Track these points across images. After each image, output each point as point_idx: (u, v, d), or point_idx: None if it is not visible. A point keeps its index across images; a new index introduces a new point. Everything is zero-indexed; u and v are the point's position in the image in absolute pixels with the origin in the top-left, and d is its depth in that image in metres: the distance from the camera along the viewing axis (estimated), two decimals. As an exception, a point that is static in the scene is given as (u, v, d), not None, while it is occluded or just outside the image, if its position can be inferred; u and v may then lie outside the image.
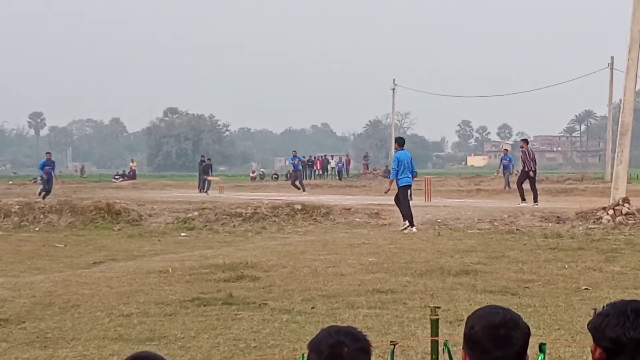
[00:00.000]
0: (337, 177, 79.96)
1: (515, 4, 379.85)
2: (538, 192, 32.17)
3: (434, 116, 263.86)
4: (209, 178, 53.99)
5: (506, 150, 64.52)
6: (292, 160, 48.78)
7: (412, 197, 26.93)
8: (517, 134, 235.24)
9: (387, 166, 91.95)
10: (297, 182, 51.48)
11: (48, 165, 41.91)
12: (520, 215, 25.37)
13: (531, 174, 31.54)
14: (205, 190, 50.92)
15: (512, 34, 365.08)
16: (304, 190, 48.51)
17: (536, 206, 29.39)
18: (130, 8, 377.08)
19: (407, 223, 24.12)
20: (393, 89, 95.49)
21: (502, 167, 56.26)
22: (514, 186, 33.96)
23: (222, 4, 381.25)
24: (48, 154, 44.23)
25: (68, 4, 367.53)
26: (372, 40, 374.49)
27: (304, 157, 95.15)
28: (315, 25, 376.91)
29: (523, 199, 31.36)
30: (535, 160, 32.00)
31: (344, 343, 3.69)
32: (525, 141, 34.38)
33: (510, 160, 55.41)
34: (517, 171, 44.98)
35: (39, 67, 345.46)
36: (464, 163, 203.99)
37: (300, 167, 51.06)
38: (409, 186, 24.77)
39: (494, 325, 3.83)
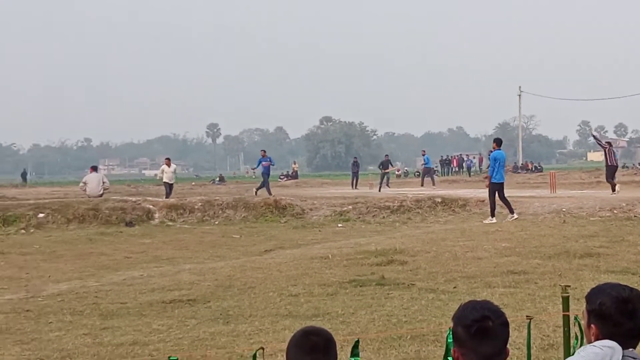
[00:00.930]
0: (468, 174, 78.86)
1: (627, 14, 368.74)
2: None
3: (556, 117, 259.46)
4: (390, 170, 52.64)
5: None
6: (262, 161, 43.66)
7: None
8: (632, 132, 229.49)
9: (515, 163, 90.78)
10: (426, 178, 50.27)
11: (265, 161, 41.40)
12: (638, 203, 24.64)
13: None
14: (386, 183, 48.71)
15: (625, 41, 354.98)
16: (433, 184, 47.90)
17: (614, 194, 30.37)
18: (288, 27, 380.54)
19: (493, 219, 23.68)
20: (519, 95, 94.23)
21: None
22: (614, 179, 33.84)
23: (365, 17, 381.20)
24: (262, 152, 43.74)
25: (237, 25, 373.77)
26: (499, 47, 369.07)
27: (441, 156, 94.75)
28: (449, 36, 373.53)
29: (613, 190, 31.78)
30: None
31: (489, 317, 3.65)
32: (609, 143, 35.56)
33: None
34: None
35: (213, 83, 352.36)
36: (584, 159, 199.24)
37: (430, 164, 49.35)
38: (502, 183, 24.23)
39: (624, 300, 3.80)
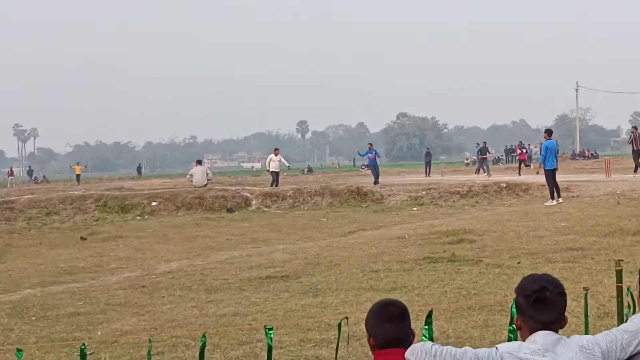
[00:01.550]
0: (525, 164, 77.25)
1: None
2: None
3: (610, 109, 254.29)
4: (488, 156, 49.64)
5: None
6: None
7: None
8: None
9: (573, 150, 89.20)
10: (482, 167, 46.02)
11: (370, 153, 38.85)
12: (686, 185, 24.03)
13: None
14: (486, 170, 45.42)
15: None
16: (488, 174, 42.79)
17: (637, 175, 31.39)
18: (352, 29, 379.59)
19: (553, 201, 23.27)
20: (576, 89, 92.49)
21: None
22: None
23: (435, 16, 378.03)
24: (369, 144, 40.90)
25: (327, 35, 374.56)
26: (559, 45, 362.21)
27: (506, 146, 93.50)
28: (510, 34, 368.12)
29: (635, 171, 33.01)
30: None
31: (547, 288, 3.63)
32: (635, 127, 35.94)
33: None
34: None
35: (302, 84, 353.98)
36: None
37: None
38: (554, 170, 23.76)
39: None
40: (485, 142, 49.82)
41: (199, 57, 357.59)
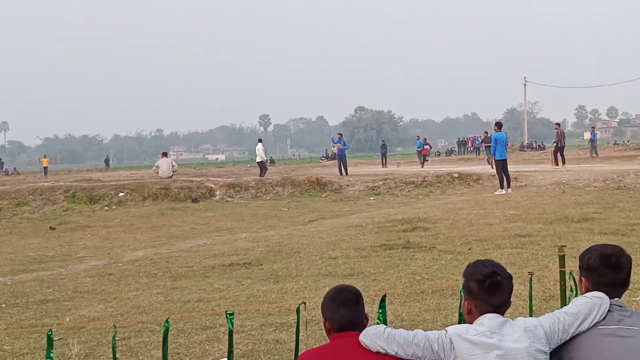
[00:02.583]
0: (477, 153, 77.64)
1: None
2: (564, 159, 35.69)
3: (557, 103, 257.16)
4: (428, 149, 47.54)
5: (592, 127, 61.79)
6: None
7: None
8: (622, 114, 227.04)
9: (522, 142, 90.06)
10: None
11: (339, 143, 37.56)
12: (627, 175, 24.33)
13: (554, 147, 36.68)
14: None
15: (616, 32, 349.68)
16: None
17: (557, 168, 32.96)
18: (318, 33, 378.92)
19: (502, 190, 23.50)
20: (524, 84, 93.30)
21: (590, 140, 52.56)
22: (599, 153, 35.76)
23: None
24: (339, 134, 39.50)
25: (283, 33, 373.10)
26: (509, 41, 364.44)
27: (458, 138, 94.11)
28: (461, 29, 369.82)
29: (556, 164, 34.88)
30: (564, 137, 36.75)
31: (497, 273, 3.67)
32: (558, 124, 38.27)
33: (594, 135, 52.86)
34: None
35: (264, 79, 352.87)
36: (581, 137, 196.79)
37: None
38: (504, 160, 23.97)
39: (607, 255, 3.81)
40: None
41: (165, 52, 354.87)
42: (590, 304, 3.72)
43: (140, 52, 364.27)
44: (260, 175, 34.15)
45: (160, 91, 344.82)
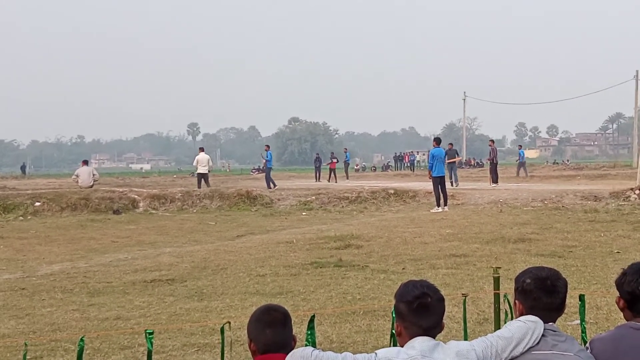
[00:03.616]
0: (411, 169, 78.35)
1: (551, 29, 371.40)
2: (497, 177, 37.56)
3: (496, 119, 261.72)
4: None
5: (520, 146, 62.87)
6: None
7: (452, 183, 28.73)
8: (562, 132, 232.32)
9: (460, 159, 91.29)
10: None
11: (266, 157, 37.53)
12: (565, 195, 24.89)
13: (490, 165, 37.66)
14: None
15: (559, 51, 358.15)
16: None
17: (494, 186, 34.17)
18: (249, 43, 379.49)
19: (439, 208, 23.82)
20: (464, 99, 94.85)
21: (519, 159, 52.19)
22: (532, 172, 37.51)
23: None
24: (267, 146, 39.66)
25: (214, 36, 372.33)
26: (447, 56, 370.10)
27: (395, 153, 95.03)
28: (402, 45, 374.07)
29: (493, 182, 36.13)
30: (496, 154, 38.38)
31: (427, 294, 3.70)
32: (492, 141, 40.34)
33: (521, 154, 52.63)
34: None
35: (194, 87, 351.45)
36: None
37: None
38: (441, 177, 24.22)
39: (542, 278, 3.89)
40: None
41: (88, 53, 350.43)
42: (524, 328, 3.78)
43: (60, 50, 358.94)
44: (206, 186, 33.90)
45: (83, 95, 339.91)
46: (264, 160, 38.39)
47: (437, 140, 25.06)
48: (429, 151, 27.59)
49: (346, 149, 64.46)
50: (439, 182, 24.13)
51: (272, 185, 35.10)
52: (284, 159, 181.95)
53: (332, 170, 51.02)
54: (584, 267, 11.99)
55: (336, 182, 45.88)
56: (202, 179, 35.40)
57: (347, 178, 53.00)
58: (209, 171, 36.85)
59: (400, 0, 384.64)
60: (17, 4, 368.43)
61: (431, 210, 23.74)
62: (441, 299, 3.75)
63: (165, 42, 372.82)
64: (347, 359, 3.60)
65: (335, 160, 52.32)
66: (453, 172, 36.96)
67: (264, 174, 39.73)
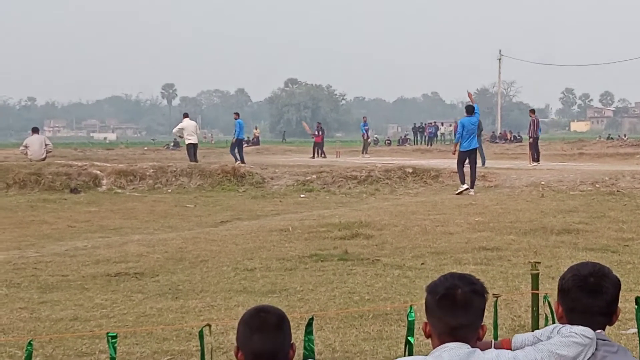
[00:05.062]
0: (429, 143, 78.07)
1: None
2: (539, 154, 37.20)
3: (538, 84, 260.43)
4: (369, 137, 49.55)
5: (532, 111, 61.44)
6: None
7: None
8: (618, 101, 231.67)
9: (493, 132, 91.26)
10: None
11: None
12: (621, 177, 24.86)
13: (531, 140, 37.11)
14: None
15: (611, 6, 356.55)
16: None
17: (535, 165, 34.09)
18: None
19: (463, 185, 23.89)
20: (499, 59, 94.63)
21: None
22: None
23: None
24: (236, 114, 41.26)
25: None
26: (479, 9, 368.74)
27: (414, 124, 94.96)
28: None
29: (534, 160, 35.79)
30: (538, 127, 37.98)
31: (458, 286, 3.72)
32: (533, 111, 39.77)
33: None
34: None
35: (169, 41, 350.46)
36: (567, 129, 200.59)
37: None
38: (469, 151, 24.31)
39: (584, 275, 3.88)
40: (319, 123, 49.81)
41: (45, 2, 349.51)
42: (580, 346, 3.76)
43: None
44: (194, 161, 34.13)
45: (35, 50, 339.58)
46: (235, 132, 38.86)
47: (469, 109, 25.05)
48: (455, 121, 27.71)
49: (365, 118, 64.31)
50: (467, 156, 24.11)
51: (238, 158, 35.48)
52: (279, 129, 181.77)
53: (316, 144, 51.21)
54: (643, 264, 12.01)
55: (323, 157, 46.71)
56: (194, 151, 35.66)
57: (365, 153, 53.76)
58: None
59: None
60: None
61: (456, 193, 23.75)
62: (476, 291, 3.76)
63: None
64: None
65: (319, 133, 52.44)
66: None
67: (255, 146, 40.08)
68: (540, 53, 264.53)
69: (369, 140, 61.80)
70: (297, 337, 6.53)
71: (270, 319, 3.82)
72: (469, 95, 26.78)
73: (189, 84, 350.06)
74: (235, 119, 39.81)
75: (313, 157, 49.44)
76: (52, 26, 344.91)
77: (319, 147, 51.11)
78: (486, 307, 3.88)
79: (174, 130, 38.58)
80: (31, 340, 4.52)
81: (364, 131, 57.38)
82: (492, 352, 3.76)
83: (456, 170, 25.27)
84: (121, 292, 10.75)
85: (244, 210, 21.83)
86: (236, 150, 37.63)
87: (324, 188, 27.43)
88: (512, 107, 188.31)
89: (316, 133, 52.62)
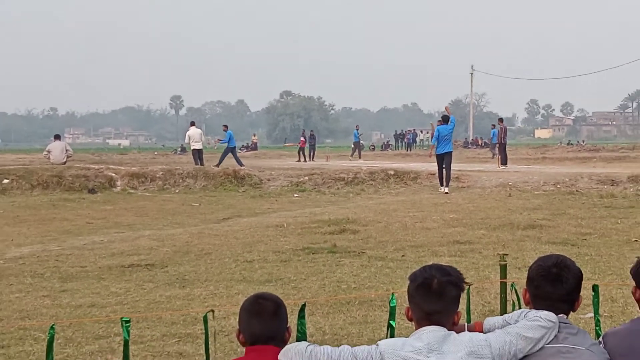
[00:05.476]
0: (407, 149, 78.44)
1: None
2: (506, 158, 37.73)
3: (506, 95, 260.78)
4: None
5: (492, 125, 61.11)
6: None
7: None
8: (577, 111, 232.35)
9: (466, 138, 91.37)
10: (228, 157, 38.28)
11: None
12: (580, 179, 24.93)
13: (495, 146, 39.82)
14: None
15: (574, 22, 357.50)
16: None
17: (503, 168, 34.55)
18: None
19: (442, 188, 24.27)
20: (471, 73, 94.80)
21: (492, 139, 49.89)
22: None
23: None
24: (225, 126, 41.72)
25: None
26: (453, 26, 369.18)
27: (395, 131, 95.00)
28: (404, 14, 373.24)
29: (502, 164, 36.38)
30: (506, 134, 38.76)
31: (435, 276, 3.74)
32: (501, 119, 40.63)
33: (493, 134, 48.21)
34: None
35: (177, 57, 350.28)
36: (532, 135, 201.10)
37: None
38: (443, 154, 24.79)
39: (547, 266, 3.90)
40: (312, 130, 51.99)
41: (65, 21, 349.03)
42: (544, 329, 3.77)
43: (32, 13, 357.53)
44: (199, 164, 34.20)
45: (56, 65, 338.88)
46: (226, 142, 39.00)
47: (445, 119, 25.28)
48: (432, 125, 28.62)
49: (357, 126, 64.54)
50: (442, 158, 24.46)
51: (219, 163, 35.91)
52: (274, 135, 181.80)
53: (301, 149, 51.54)
54: (599, 256, 12.03)
55: (306, 161, 47.53)
56: (199, 156, 35.78)
57: (358, 157, 54.28)
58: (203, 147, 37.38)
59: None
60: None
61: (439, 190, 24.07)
62: (451, 282, 3.77)
63: (151, 9, 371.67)
64: (344, 352, 3.61)
65: (303, 140, 53.09)
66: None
67: (253, 151, 40.39)
68: (509, 67, 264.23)
69: (362, 145, 62.14)
70: (291, 321, 6.52)
71: (268, 305, 3.83)
72: (447, 108, 26.88)
73: (195, 96, 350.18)
74: (224, 130, 40.07)
75: (299, 160, 50.29)
76: (73, 45, 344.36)
77: (302, 151, 51.57)
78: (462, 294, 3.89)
79: (186, 140, 38.69)
80: (53, 325, 4.51)
81: (357, 138, 57.60)
82: (466, 334, 3.77)
83: (434, 172, 25.51)
84: (134, 281, 10.73)
85: (243, 209, 21.80)
86: (229, 156, 37.76)
87: (315, 188, 27.42)
88: (482, 116, 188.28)
89: (302, 139, 53.17)
